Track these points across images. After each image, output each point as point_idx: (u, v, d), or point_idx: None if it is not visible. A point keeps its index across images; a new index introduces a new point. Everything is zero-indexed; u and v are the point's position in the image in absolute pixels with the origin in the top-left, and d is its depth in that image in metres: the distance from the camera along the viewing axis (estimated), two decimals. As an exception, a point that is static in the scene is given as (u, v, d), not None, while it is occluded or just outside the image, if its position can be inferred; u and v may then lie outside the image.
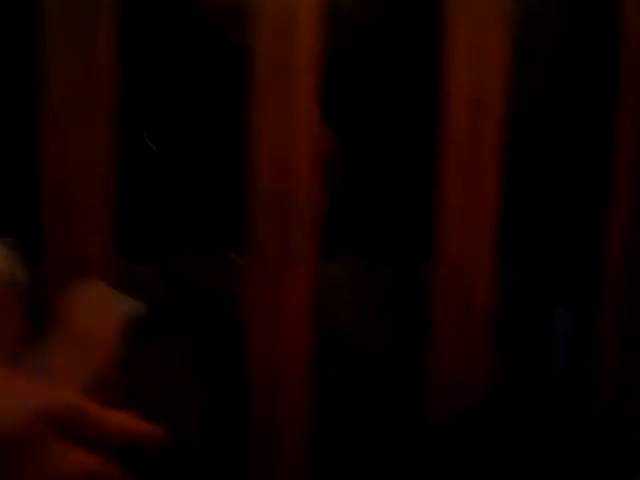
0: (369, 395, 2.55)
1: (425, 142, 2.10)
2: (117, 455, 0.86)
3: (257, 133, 1.91)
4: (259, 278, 1.96)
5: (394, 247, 2.61)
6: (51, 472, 0.77)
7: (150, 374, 2.47)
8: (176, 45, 2.05)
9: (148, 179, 2.53)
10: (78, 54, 1.83)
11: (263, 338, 1.99)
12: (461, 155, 2.01)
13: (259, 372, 2.00)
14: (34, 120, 1.83)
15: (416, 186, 2.35)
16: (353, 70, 2.25)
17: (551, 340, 2.75)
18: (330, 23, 1.92)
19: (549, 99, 2.37)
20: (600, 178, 2.26)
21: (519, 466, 0.82)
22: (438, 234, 2.05)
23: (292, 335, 2.00)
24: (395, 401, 2.50)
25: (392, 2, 2.22)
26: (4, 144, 1.99)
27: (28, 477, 0.75)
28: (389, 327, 2.59)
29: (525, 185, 2.50)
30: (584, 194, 2.50)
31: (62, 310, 1.00)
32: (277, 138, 1.91)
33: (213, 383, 2.49)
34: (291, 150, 1.92)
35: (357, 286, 2.44)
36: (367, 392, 2.59)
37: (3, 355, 0.97)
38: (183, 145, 2.44)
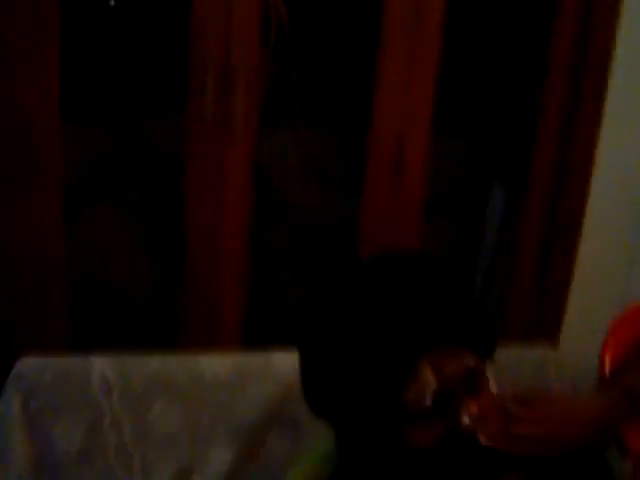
0: (305, 251, 2.67)
1: (369, 18, 2.12)
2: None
3: (203, 5, 1.92)
4: (201, 143, 2.01)
5: (336, 117, 2.68)
6: None
7: (99, 230, 2.56)
8: None
9: (96, 41, 2.54)
10: None
11: (203, 199, 2.05)
12: (402, 32, 2.04)
13: (199, 230, 2.08)
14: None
15: (358, 61, 2.39)
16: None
17: (486, 210, 2.87)
18: None
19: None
20: (534, 58, 2.31)
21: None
22: (377, 106, 2.10)
23: (232, 198, 2.06)
24: (329, 251, 2.62)
25: None
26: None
27: None
28: (324, 191, 2.69)
29: (462, 63, 2.55)
30: (519, 73, 2.56)
31: None
32: (221, 9, 1.92)
33: (155, 240, 2.59)
34: (234, 20, 1.94)
35: (299, 153, 2.52)
36: (303, 248, 2.71)
37: None
38: (131, 12, 2.46)
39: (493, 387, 0.94)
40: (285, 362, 1.61)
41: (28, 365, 1.55)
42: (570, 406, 0.99)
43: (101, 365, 1.56)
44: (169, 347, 1.94)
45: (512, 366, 1.78)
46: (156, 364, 1.60)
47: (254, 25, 1.97)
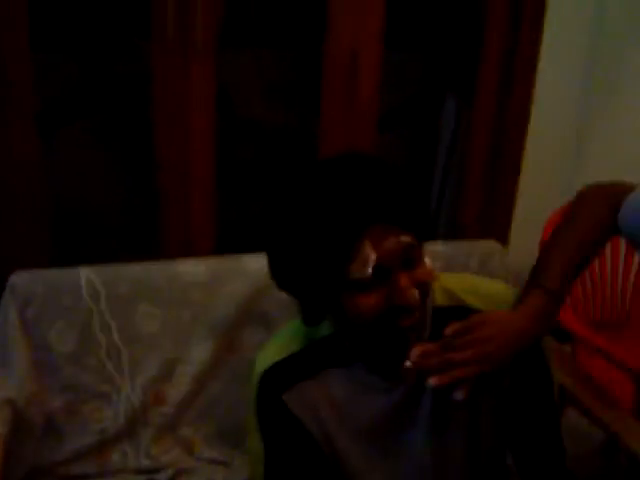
0: (269, 163, 2.80)
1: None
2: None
3: None
4: (165, 66, 2.10)
5: (294, 36, 2.77)
6: None
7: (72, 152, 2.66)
8: None
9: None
10: None
11: (170, 120, 2.15)
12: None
13: (168, 150, 2.19)
14: None
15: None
16: None
17: (440, 120, 3.00)
18: None
19: None
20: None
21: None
22: (330, 23, 2.20)
23: (197, 116, 2.17)
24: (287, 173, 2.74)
25: None
26: None
27: None
28: (285, 107, 2.80)
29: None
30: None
31: None
32: None
33: (125, 161, 2.69)
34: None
35: (259, 72, 2.62)
36: (267, 161, 2.83)
37: None
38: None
39: (428, 263, 1.10)
40: (255, 264, 1.77)
41: (22, 278, 1.69)
42: (499, 326, 1.12)
43: (88, 274, 1.70)
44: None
45: (461, 259, 1.96)
46: (138, 270, 1.75)
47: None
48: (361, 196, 1.02)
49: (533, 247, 1.75)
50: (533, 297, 1.16)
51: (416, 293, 1.05)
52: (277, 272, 1.12)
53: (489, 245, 2.00)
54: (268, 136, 2.79)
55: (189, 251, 2.26)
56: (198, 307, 1.74)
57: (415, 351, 1.06)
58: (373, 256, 1.03)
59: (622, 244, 2.23)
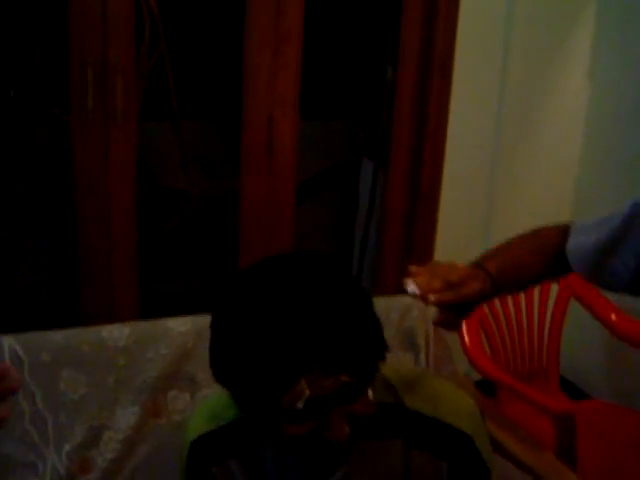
0: (193, 231, 2.83)
1: (236, 10, 2.29)
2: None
3: (78, 6, 2.05)
4: (85, 138, 2.13)
5: (212, 107, 2.84)
6: None
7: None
8: None
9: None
10: None
11: (92, 191, 2.18)
12: (266, 22, 2.22)
13: (89, 220, 2.20)
14: None
15: (229, 52, 2.56)
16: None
17: (358, 185, 3.10)
18: None
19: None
20: (387, 44, 2.53)
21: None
22: (246, 93, 2.27)
23: (118, 189, 2.21)
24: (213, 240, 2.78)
25: None
26: None
27: None
28: (205, 177, 2.85)
29: (323, 50, 2.76)
30: (375, 56, 2.78)
31: None
32: (96, 9, 2.06)
33: (45, 231, 2.69)
34: (109, 20, 2.08)
35: (178, 142, 2.67)
36: (190, 229, 2.87)
37: None
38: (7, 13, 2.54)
39: (369, 396, 1.09)
40: (179, 327, 1.79)
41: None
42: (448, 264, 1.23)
43: (11, 342, 1.69)
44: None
45: (382, 314, 2.00)
46: (61, 337, 1.74)
47: (128, 23, 2.12)
48: (301, 341, 1.02)
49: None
50: (477, 269, 1.23)
51: (346, 429, 1.06)
52: (216, 369, 1.12)
53: (409, 300, 2.06)
54: (189, 205, 2.83)
55: (112, 320, 2.26)
56: (123, 371, 1.74)
57: (409, 281, 1.16)
58: (307, 392, 1.03)
59: (535, 296, 2.32)
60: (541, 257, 1.30)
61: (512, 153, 2.64)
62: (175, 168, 2.86)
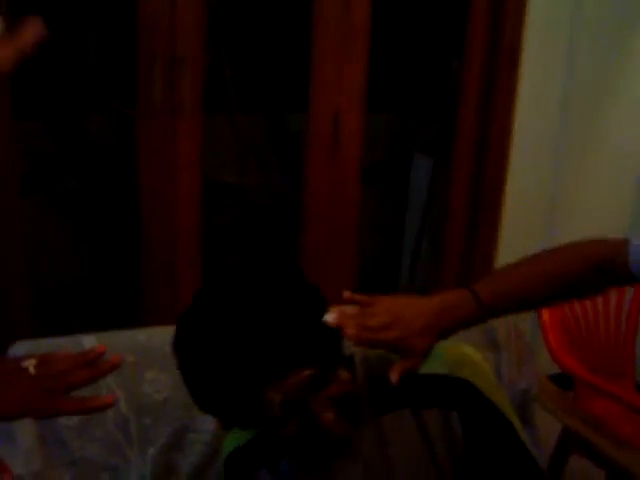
0: (250, 231, 2.80)
1: (300, 4, 2.25)
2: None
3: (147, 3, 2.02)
4: (152, 132, 2.10)
5: (271, 101, 2.80)
6: None
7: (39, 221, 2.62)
8: None
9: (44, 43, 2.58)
10: None
11: (156, 186, 2.15)
12: (332, 14, 2.18)
13: (152, 217, 2.17)
14: None
15: (293, 45, 2.52)
16: None
17: (409, 181, 3.06)
18: None
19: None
20: (454, 35, 2.48)
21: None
22: (312, 87, 2.23)
23: (185, 183, 2.17)
24: (271, 235, 2.75)
25: None
26: None
27: None
28: (268, 174, 2.82)
29: (389, 45, 2.71)
30: (440, 50, 2.74)
31: None
32: (165, 4, 2.02)
33: (106, 232, 2.67)
34: (178, 13, 2.04)
35: (233, 135, 2.63)
36: (248, 228, 2.84)
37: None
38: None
39: (344, 375, 1.14)
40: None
41: (22, 348, 1.63)
42: (410, 299, 1.16)
43: (91, 342, 1.65)
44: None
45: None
46: (142, 337, 1.70)
47: (197, 16, 2.08)
48: (256, 353, 1.09)
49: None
50: (454, 292, 1.17)
51: (330, 414, 1.10)
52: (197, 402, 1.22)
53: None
54: (243, 199, 2.79)
55: (174, 315, 2.22)
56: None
57: (334, 309, 1.11)
58: (277, 398, 1.08)
59: (612, 299, 2.27)
60: (572, 271, 1.24)
61: (577, 152, 2.59)
62: (228, 162, 2.83)
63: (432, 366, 1.22)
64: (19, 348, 1.63)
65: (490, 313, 1.17)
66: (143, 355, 1.69)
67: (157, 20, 2.02)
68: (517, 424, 1.25)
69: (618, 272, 1.20)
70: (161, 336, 1.72)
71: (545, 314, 2.04)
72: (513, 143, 2.48)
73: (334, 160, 2.33)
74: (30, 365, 0.94)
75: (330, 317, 1.11)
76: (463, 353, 1.31)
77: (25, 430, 1.56)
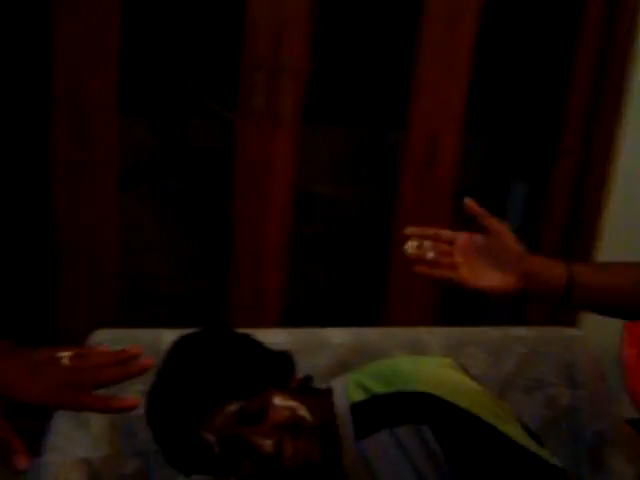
0: (339, 243, 2.81)
1: (406, 21, 2.25)
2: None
3: (255, 8, 2.05)
4: (251, 138, 2.13)
5: (370, 115, 2.81)
6: None
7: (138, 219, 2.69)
8: None
9: (149, 38, 2.67)
10: None
11: (250, 192, 2.18)
12: (437, 34, 2.17)
13: (244, 220, 2.21)
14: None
15: (394, 60, 2.52)
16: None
17: (506, 207, 3.00)
18: None
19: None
20: (561, 62, 2.44)
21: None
22: (412, 105, 2.22)
23: (278, 192, 2.20)
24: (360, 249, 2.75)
25: None
26: None
27: None
28: (360, 187, 2.82)
29: (493, 66, 2.68)
30: (545, 76, 2.69)
31: None
32: (272, 12, 2.06)
33: (199, 231, 2.72)
34: (284, 23, 2.07)
35: (334, 149, 2.65)
36: (335, 237, 2.85)
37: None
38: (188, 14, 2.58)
39: (280, 402, 1.23)
40: (337, 338, 1.75)
41: (103, 336, 1.68)
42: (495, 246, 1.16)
43: (170, 337, 1.68)
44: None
45: (541, 346, 1.92)
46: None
47: (302, 27, 2.10)
48: (184, 396, 1.24)
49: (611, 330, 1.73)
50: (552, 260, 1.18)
51: (268, 443, 1.17)
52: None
53: (571, 333, 1.96)
54: (336, 212, 2.80)
55: (258, 321, 2.25)
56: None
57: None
58: (212, 437, 1.18)
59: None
60: None
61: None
62: (323, 174, 2.84)
63: (399, 383, 1.29)
64: (98, 336, 1.68)
65: (577, 291, 1.15)
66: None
67: (263, 28, 2.05)
68: (507, 428, 1.25)
69: None
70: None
71: (628, 355, 1.98)
72: (616, 170, 2.41)
73: (428, 180, 2.32)
74: (64, 356, 0.94)
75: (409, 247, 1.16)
76: (431, 370, 1.35)
77: (98, 416, 1.60)
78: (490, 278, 1.14)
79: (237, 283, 2.27)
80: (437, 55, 2.19)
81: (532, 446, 1.25)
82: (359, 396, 1.31)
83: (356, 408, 1.29)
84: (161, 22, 2.60)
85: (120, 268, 2.21)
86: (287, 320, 2.28)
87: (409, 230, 1.19)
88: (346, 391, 1.34)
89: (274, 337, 1.76)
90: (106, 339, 1.68)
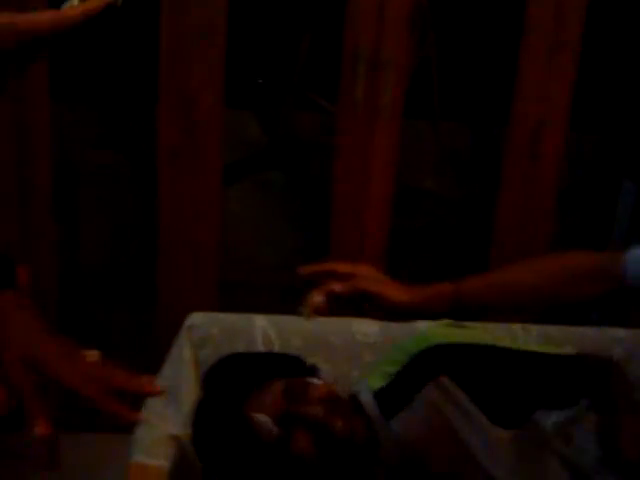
0: (440, 239, 2.79)
1: (510, 14, 2.21)
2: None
3: (356, 6, 2.06)
4: (350, 132, 2.14)
5: (475, 110, 2.78)
6: None
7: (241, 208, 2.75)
8: None
9: (254, 35, 2.72)
10: None
11: (350, 184, 2.19)
12: (543, 27, 2.12)
13: (343, 214, 2.22)
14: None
15: (499, 55, 2.48)
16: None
17: (616, 208, 2.91)
18: None
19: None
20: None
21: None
22: (516, 101, 2.18)
23: (376, 183, 2.19)
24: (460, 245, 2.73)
25: None
26: None
27: None
28: (464, 182, 2.79)
29: (599, 61, 2.60)
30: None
31: None
32: (374, 4, 2.06)
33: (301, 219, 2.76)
34: (386, 15, 2.07)
35: (435, 142, 2.63)
36: (437, 233, 2.83)
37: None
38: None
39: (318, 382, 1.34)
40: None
41: (199, 319, 1.73)
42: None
43: (263, 323, 1.72)
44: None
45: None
46: (312, 325, 1.75)
47: (405, 20, 2.10)
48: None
49: None
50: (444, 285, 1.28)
51: (319, 409, 1.24)
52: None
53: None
54: (440, 208, 2.78)
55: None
56: (368, 367, 1.72)
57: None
58: (266, 419, 1.23)
59: None
60: (561, 265, 1.29)
61: None
62: (426, 168, 2.83)
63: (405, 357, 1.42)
64: (195, 318, 1.73)
65: (466, 294, 1.24)
66: (311, 343, 1.73)
67: (364, 22, 2.06)
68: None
69: (612, 278, 1.22)
70: (332, 326, 1.77)
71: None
72: None
73: (532, 175, 2.27)
74: (92, 357, 0.97)
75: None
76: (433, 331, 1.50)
77: (189, 394, 1.65)
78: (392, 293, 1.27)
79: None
80: (542, 46, 2.14)
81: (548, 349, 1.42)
82: (380, 383, 1.41)
83: (379, 394, 1.37)
84: (267, 15, 2.64)
85: (221, 257, 2.25)
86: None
87: (303, 269, 1.31)
88: (367, 384, 1.45)
89: (367, 328, 1.77)
90: (202, 322, 1.73)
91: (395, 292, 1.26)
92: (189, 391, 1.65)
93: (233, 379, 1.36)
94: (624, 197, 2.85)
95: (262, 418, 1.23)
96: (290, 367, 1.39)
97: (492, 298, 1.28)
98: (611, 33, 2.68)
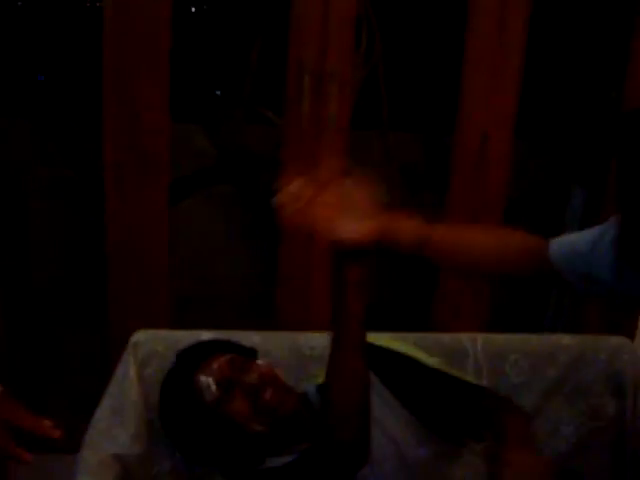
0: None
1: (454, 24, 2.23)
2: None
3: (300, 13, 2.07)
4: (296, 142, 2.14)
5: (423, 120, 2.79)
6: None
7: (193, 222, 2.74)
8: None
9: (203, 48, 2.71)
10: None
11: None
12: (486, 36, 2.14)
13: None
14: None
15: (445, 66, 2.49)
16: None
17: (565, 213, 2.93)
18: None
19: None
20: (614, 63, 2.38)
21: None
22: (461, 110, 2.20)
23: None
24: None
25: None
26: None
27: None
28: (415, 191, 2.80)
29: (543, 69, 2.63)
30: (599, 78, 2.63)
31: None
32: (317, 17, 2.06)
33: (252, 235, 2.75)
34: (330, 28, 2.07)
35: (384, 153, 2.63)
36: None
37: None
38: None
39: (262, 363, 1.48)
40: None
41: (144, 336, 1.72)
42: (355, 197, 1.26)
43: (208, 338, 1.71)
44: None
45: (589, 353, 1.88)
46: (257, 339, 1.75)
47: (349, 33, 2.11)
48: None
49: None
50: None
51: (254, 377, 1.40)
52: None
53: (618, 341, 1.92)
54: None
55: (305, 323, 2.25)
56: (315, 377, 1.72)
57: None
58: (209, 379, 1.39)
59: None
60: (497, 246, 1.36)
61: None
62: (378, 179, 2.82)
63: None
64: (140, 336, 1.72)
65: (430, 246, 1.28)
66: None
67: (308, 35, 2.06)
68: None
69: (544, 260, 1.30)
70: (276, 340, 1.76)
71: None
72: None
73: (479, 184, 2.29)
74: None
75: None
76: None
77: (134, 414, 1.63)
78: (346, 230, 1.23)
79: (286, 285, 2.27)
80: (486, 53, 2.16)
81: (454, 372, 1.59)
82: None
83: (321, 387, 1.48)
84: (214, 27, 2.64)
85: (171, 270, 2.24)
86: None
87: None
88: (314, 380, 1.59)
89: (314, 342, 1.77)
90: (147, 339, 1.72)
91: (356, 233, 1.23)
92: (134, 409, 1.64)
93: (188, 354, 1.49)
94: (573, 203, 2.88)
95: (205, 380, 1.38)
96: (237, 348, 1.53)
97: (448, 252, 1.35)
98: (557, 40, 2.71)
